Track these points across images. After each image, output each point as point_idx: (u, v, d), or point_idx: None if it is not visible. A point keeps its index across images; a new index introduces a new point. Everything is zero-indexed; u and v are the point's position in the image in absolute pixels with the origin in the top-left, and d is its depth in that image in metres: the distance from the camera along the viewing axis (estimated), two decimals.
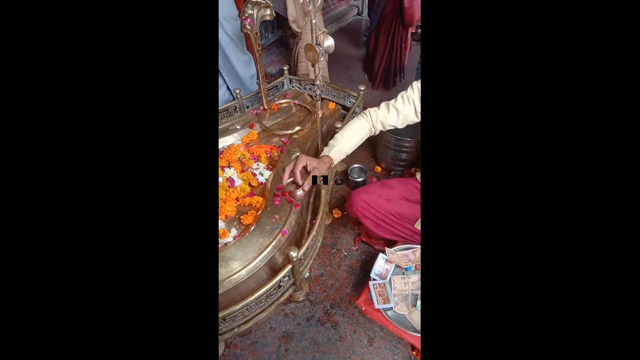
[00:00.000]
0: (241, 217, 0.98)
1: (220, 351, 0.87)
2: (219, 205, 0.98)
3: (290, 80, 1.48)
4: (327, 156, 0.87)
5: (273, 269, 0.93)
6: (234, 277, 0.85)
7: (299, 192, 0.81)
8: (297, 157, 0.83)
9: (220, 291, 0.83)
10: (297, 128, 1.28)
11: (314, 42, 0.85)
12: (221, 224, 0.96)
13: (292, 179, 0.82)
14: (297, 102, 1.41)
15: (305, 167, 0.83)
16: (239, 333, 0.89)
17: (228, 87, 1.72)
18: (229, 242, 0.93)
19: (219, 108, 1.33)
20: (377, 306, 0.91)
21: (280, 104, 1.41)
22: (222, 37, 1.47)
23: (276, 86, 1.47)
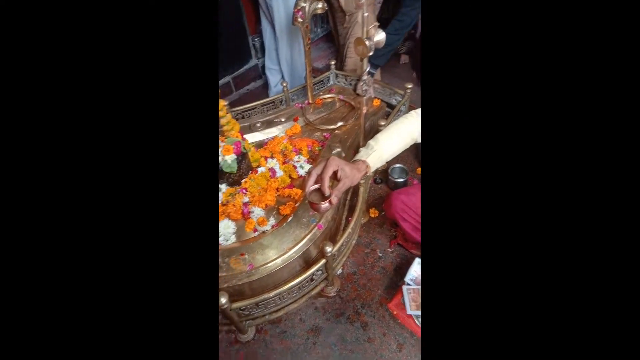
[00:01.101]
0: (280, 207, 0.99)
1: (251, 335, 0.90)
2: (260, 195, 1.01)
3: (337, 75, 1.48)
4: (364, 162, 0.74)
5: (307, 261, 0.93)
6: (269, 264, 0.87)
7: (324, 206, 0.64)
8: (327, 160, 0.67)
9: (254, 277, 0.85)
10: (340, 124, 1.27)
11: (364, 36, 0.83)
12: (261, 212, 0.98)
13: (317, 185, 0.66)
14: (341, 97, 1.40)
15: (335, 173, 0.67)
16: (270, 320, 0.91)
17: (283, 77, 1.77)
18: (267, 230, 0.95)
19: (268, 99, 1.36)
20: (409, 312, 0.88)
21: (325, 98, 1.41)
22: (287, 25, 1.51)
23: (322, 81, 1.47)
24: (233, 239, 0.93)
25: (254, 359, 0.87)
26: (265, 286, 0.89)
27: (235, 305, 0.79)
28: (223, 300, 0.75)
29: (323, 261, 0.85)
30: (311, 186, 0.66)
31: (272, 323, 0.93)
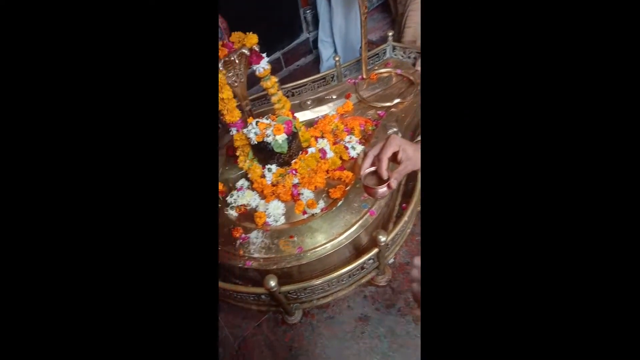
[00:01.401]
0: (330, 190, 0.95)
1: (298, 318, 0.89)
2: (310, 176, 0.97)
3: (394, 48, 1.36)
4: None
5: (357, 248, 0.89)
6: (318, 249, 0.84)
7: (381, 190, 0.58)
8: (386, 139, 0.61)
9: (303, 261, 0.83)
10: (397, 100, 1.17)
11: None
12: (311, 195, 0.95)
13: (374, 167, 0.60)
14: (398, 71, 1.29)
15: (395, 154, 0.60)
16: (317, 305, 0.90)
17: (336, 50, 1.69)
18: (316, 213, 0.92)
19: (319, 75, 1.30)
20: None
21: (380, 73, 1.31)
22: None
23: (377, 54, 1.36)
24: (282, 220, 0.92)
25: (299, 342, 0.87)
26: (313, 270, 0.87)
27: (284, 288, 0.78)
28: (272, 283, 0.74)
29: (375, 250, 0.79)
30: (367, 168, 0.60)
31: (319, 308, 0.91)
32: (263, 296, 0.81)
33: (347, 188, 0.95)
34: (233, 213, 0.96)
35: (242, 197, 0.97)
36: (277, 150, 0.93)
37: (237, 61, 0.91)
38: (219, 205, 0.99)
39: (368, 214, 0.88)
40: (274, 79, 0.97)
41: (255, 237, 0.89)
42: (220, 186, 1.03)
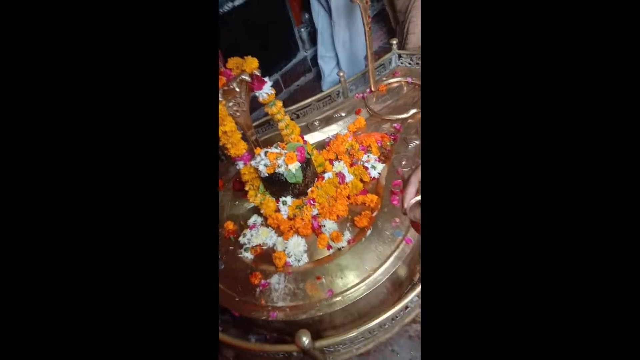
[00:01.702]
0: (355, 218, 0.84)
1: None
2: (330, 205, 0.86)
3: (400, 56, 1.28)
4: None
5: (396, 283, 0.77)
6: (351, 291, 0.73)
7: None
8: None
9: (336, 307, 0.72)
10: (413, 111, 1.08)
11: None
12: (333, 226, 0.84)
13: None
14: (409, 79, 1.20)
15: None
16: (357, 354, 0.77)
17: (338, 64, 1.63)
18: (342, 247, 0.81)
19: (324, 92, 1.22)
20: None
21: (390, 83, 1.22)
22: (345, 4, 1.36)
23: (382, 64, 1.28)
24: (305, 259, 0.81)
25: None
26: (349, 315, 0.75)
27: (319, 344, 0.66)
28: (305, 340, 0.62)
29: (419, 288, 0.68)
30: (412, 198, 0.49)
31: (360, 356, 0.78)
32: (295, 353, 0.69)
33: (374, 214, 0.84)
34: (248, 255, 0.86)
35: (257, 236, 0.87)
36: (291, 180, 0.83)
37: (237, 89, 0.83)
38: (231, 247, 0.89)
39: (404, 242, 0.77)
40: (279, 103, 0.88)
41: (277, 282, 0.78)
42: (230, 225, 0.93)
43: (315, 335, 0.72)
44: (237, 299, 0.78)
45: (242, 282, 0.81)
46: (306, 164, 0.85)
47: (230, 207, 1.02)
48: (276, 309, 0.74)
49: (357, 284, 0.73)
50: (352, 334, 0.67)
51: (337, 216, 0.86)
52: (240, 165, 0.90)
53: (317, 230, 0.84)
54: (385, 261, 0.75)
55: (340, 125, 1.16)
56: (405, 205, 0.48)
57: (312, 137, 1.13)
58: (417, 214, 0.47)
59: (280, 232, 0.87)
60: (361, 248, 0.78)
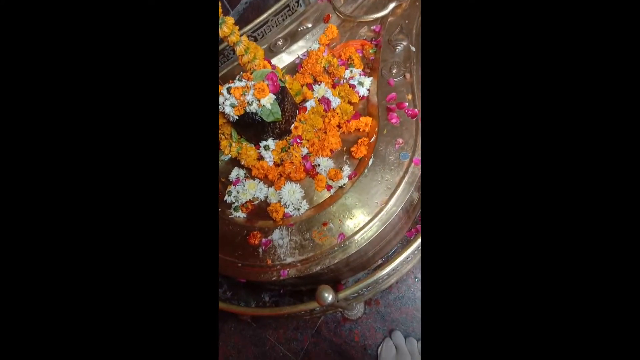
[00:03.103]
0: (351, 149, 0.72)
1: (360, 311, 0.73)
2: (320, 139, 0.73)
3: None
4: None
5: (409, 210, 0.69)
6: (365, 232, 0.64)
7: None
8: None
9: (351, 250, 0.64)
10: (392, 5, 0.88)
11: None
12: (329, 163, 0.72)
13: None
14: None
15: None
16: (380, 291, 0.73)
17: None
18: (344, 184, 0.70)
19: (280, 3, 0.99)
20: None
21: None
22: None
23: None
24: (305, 205, 0.71)
25: (373, 337, 0.72)
26: (366, 255, 0.69)
27: (344, 294, 0.60)
28: (329, 296, 0.56)
29: None
30: None
31: (383, 292, 0.75)
32: (317, 308, 0.63)
33: (372, 139, 0.72)
34: (240, 214, 0.75)
35: (244, 192, 0.75)
36: (268, 119, 0.68)
37: None
38: (219, 209, 0.77)
39: (412, 164, 0.67)
40: (230, 20, 0.68)
41: (280, 237, 0.69)
42: None
43: (333, 283, 0.66)
44: (239, 265, 0.70)
45: (240, 246, 0.71)
46: (282, 94, 0.69)
47: None
48: (286, 266, 0.66)
49: (370, 221, 0.65)
50: (375, 277, 0.60)
51: (331, 151, 0.74)
52: None
53: (311, 172, 0.73)
54: (395, 190, 0.66)
55: (308, 39, 0.96)
56: None
57: (280, 61, 0.94)
58: None
59: (269, 182, 0.75)
60: (366, 181, 0.68)
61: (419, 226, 0.76)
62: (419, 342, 0.68)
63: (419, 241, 0.61)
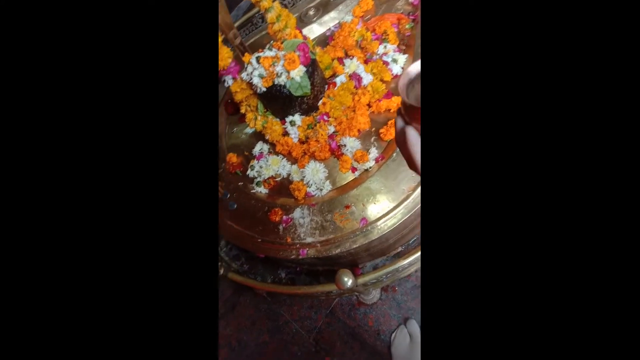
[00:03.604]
0: (380, 130, 0.69)
1: (377, 296, 0.72)
2: (349, 118, 0.70)
3: None
4: None
5: None
6: (389, 219, 0.62)
7: None
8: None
9: (373, 235, 0.62)
10: None
11: None
12: (356, 144, 0.69)
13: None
14: None
15: None
16: (399, 278, 0.71)
17: None
18: (370, 167, 0.67)
19: None
20: None
21: None
22: None
23: None
24: (328, 186, 0.68)
25: (387, 324, 0.71)
26: (387, 241, 0.67)
27: (363, 280, 0.58)
28: (349, 281, 0.55)
29: None
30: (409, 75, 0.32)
31: (401, 279, 0.73)
32: (334, 291, 0.62)
33: None
34: (261, 190, 0.74)
35: (267, 167, 0.73)
36: (296, 93, 0.65)
37: None
38: (240, 183, 0.76)
39: None
40: None
41: (301, 216, 0.68)
42: (233, 157, 0.79)
43: (351, 267, 0.65)
44: (259, 240, 0.69)
45: (261, 221, 0.70)
46: (312, 67, 0.66)
47: (229, 136, 0.86)
48: (305, 246, 0.66)
49: (394, 207, 0.62)
50: (396, 265, 0.59)
51: (359, 131, 0.71)
52: (229, 81, 0.70)
53: (336, 152, 0.70)
54: None
55: (341, 10, 0.90)
56: (400, 85, 0.31)
57: (310, 32, 0.89)
58: (417, 92, 0.31)
59: (293, 160, 0.73)
60: (393, 166, 0.65)
61: None
62: None
63: None
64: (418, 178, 0.62)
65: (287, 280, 0.79)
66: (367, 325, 0.72)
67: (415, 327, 0.69)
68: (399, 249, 0.75)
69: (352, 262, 0.73)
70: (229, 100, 0.84)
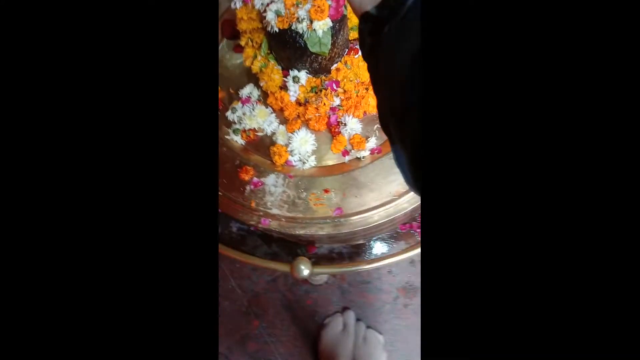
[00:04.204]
0: None
1: (324, 279, 0.72)
2: (359, 95, 0.62)
3: None
4: None
5: (414, 212, 0.64)
6: (365, 217, 0.59)
7: None
8: None
9: (343, 228, 0.59)
10: None
11: None
12: (357, 126, 0.62)
13: None
14: None
15: None
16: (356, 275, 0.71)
17: None
18: (363, 157, 0.62)
19: None
20: None
21: None
22: None
23: None
24: (312, 161, 0.62)
25: (325, 307, 0.72)
26: (353, 235, 0.64)
27: (319, 270, 0.56)
28: (305, 271, 0.52)
29: None
30: None
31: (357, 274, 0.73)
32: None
33: None
34: (238, 139, 0.65)
35: (251, 117, 0.64)
36: (312, 49, 0.55)
37: None
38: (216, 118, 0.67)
39: None
40: None
41: (274, 184, 0.62)
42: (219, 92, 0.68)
43: (308, 243, 0.62)
44: (220, 194, 0.63)
45: (228, 174, 0.63)
46: (340, 24, 0.55)
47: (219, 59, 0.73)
48: (269, 216, 0.61)
49: (374, 208, 0.59)
50: (359, 267, 0.57)
51: (364, 113, 0.63)
52: (238, 3, 0.57)
53: (333, 128, 0.63)
54: None
55: None
56: None
57: None
58: None
59: (284, 119, 0.65)
60: (388, 163, 0.60)
61: (414, 223, 0.72)
62: (369, 329, 0.69)
63: (411, 239, 0.57)
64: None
65: (237, 235, 0.75)
66: (304, 303, 0.72)
67: (351, 318, 0.70)
68: (361, 241, 0.74)
69: (310, 241, 0.70)
70: (229, 21, 0.70)
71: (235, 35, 0.71)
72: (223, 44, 0.73)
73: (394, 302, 0.70)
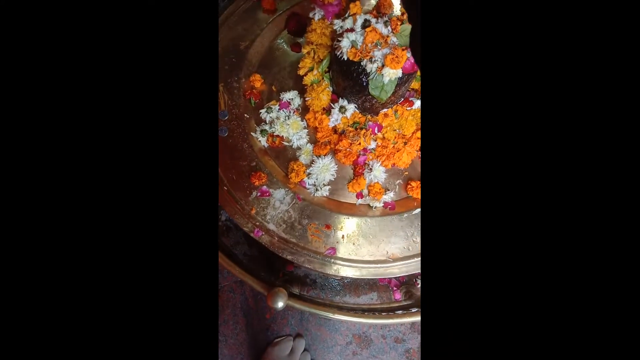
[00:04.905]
0: (411, 182, 0.61)
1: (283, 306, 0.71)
2: (395, 147, 0.60)
3: None
4: None
5: (399, 285, 0.64)
6: (354, 268, 0.58)
7: None
8: None
9: (327, 270, 0.58)
10: None
11: None
12: (382, 176, 0.61)
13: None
14: None
15: None
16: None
17: None
18: (375, 207, 0.61)
19: None
20: None
21: None
22: None
23: None
24: (325, 191, 0.61)
25: (280, 326, 0.71)
26: (335, 283, 0.64)
27: (293, 303, 0.55)
28: (280, 303, 0.51)
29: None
30: None
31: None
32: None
33: None
34: (262, 141, 0.63)
35: (283, 125, 0.62)
36: (371, 91, 0.53)
37: None
38: (246, 115, 0.64)
39: None
40: None
41: (280, 199, 0.60)
42: (258, 81, 0.65)
43: (288, 283, 0.61)
44: (225, 188, 0.61)
45: (240, 171, 0.61)
46: (408, 77, 0.53)
47: (268, 46, 0.69)
48: (264, 229, 0.59)
49: (366, 262, 0.58)
50: (331, 316, 0.56)
51: (393, 165, 0.62)
52: (318, 14, 0.54)
53: (358, 168, 0.61)
54: (412, 258, 0.58)
55: None
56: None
57: None
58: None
59: (314, 139, 0.63)
60: (395, 224, 0.60)
61: (393, 280, 0.72)
62: None
63: (385, 294, 0.57)
64: (406, 252, 0.58)
65: (224, 226, 0.73)
66: (263, 315, 0.72)
67: (301, 345, 0.70)
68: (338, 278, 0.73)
69: (290, 271, 0.69)
70: (298, 19, 0.67)
71: (298, 32, 0.68)
72: (283, 36, 0.70)
73: (345, 346, 0.71)
